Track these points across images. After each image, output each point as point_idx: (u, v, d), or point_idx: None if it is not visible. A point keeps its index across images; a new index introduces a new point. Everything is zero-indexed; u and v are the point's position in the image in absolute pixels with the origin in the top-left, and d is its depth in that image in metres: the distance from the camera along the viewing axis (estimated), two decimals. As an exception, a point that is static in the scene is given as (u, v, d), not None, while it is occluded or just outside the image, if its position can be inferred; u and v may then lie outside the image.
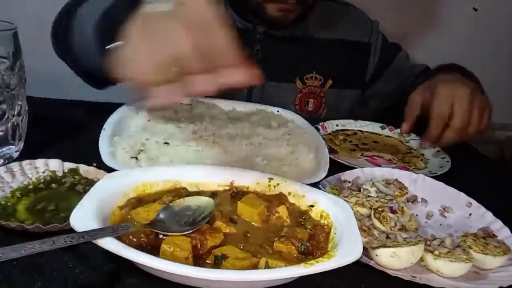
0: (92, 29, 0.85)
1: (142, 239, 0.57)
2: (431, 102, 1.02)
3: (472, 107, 1.00)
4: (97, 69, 0.78)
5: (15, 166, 0.73)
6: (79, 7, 0.96)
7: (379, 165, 0.99)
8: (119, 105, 0.98)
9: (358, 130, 1.18)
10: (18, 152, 0.80)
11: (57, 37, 1.02)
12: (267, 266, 0.55)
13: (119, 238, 0.54)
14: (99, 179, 0.66)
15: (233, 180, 0.72)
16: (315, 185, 0.78)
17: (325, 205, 0.67)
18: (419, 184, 0.87)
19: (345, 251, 0.56)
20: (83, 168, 0.76)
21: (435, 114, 1.01)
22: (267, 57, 1.22)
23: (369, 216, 0.75)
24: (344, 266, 0.54)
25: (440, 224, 0.81)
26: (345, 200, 0.72)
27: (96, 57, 0.81)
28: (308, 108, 1.28)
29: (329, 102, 1.30)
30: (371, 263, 0.65)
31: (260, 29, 1.21)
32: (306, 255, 0.59)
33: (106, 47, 0.64)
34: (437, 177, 0.90)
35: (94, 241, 0.51)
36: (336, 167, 0.89)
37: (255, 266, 0.56)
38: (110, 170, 0.72)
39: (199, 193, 0.69)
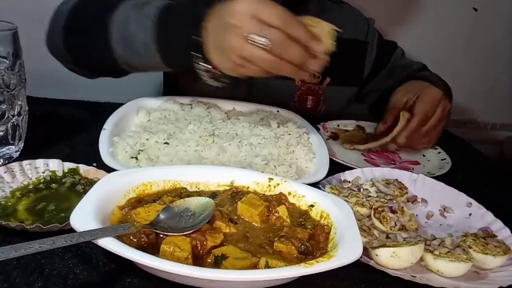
0: (151, 26, 0.83)
1: (142, 239, 0.57)
2: (417, 100, 1.07)
3: (447, 118, 1.10)
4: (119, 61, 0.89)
5: (15, 166, 0.73)
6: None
7: (378, 165, 0.99)
8: (119, 105, 0.98)
9: (359, 128, 1.20)
10: (18, 152, 0.81)
11: (81, 34, 0.96)
12: (267, 266, 0.55)
13: (119, 238, 0.54)
14: (99, 179, 0.66)
15: (233, 180, 0.72)
16: (315, 185, 0.78)
17: (325, 205, 0.67)
18: (419, 184, 0.87)
19: (345, 251, 0.56)
20: (83, 168, 0.76)
21: (421, 111, 1.05)
22: None
23: (369, 216, 0.75)
24: (344, 266, 0.54)
25: (440, 224, 0.81)
26: (345, 200, 0.72)
27: (146, 51, 0.84)
28: (307, 105, 1.29)
29: (327, 99, 1.31)
30: (371, 263, 0.65)
31: None
32: (306, 255, 0.59)
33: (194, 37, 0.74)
34: (437, 177, 0.90)
35: (94, 241, 0.51)
36: (336, 167, 0.89)
37: (255, 266, 0.56)
38: (110, 170, 0.72)
39: (199, 193, 0.69)
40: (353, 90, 1.35)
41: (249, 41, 0.68)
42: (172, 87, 1.28)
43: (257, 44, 0.68)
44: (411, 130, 1.04)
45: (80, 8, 0.95)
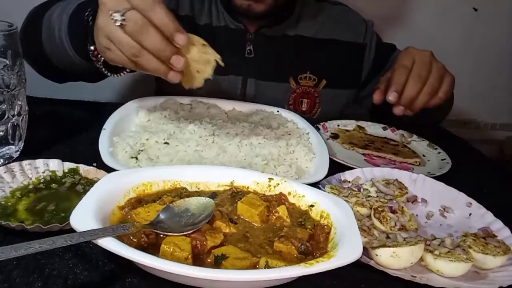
0: (65, 24, 0.86)
1: (142, 239, 0.57)
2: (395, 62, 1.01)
3: (431, 64, 0.98)
4: (65, 62, 0.91)
5: (15, 166, 0.73)
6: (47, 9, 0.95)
7: (378, 165, 0.99)
8: (119, 105, 0.98)
9: (359, 128, 1.20)
10: (18, 152, 0.80)
11: (28, 36, 0.99)
12: (267, 266, 0.55)
13: (119, 238, 0.54)
14: (99, 179, 0.66)
15: (233, 180, 0.72)
16: (315, 185, 0.78)
17: (325, 205, 0.67)
18: (419, 184, 0.87)
19: (345, 251, 0.56)
20: (83, 168, 0.76)
21: (398, 65, 0.99)
22: (260, 57, 1.22)
23: (369, 216, 0.75)
24: (344, 266, 0.54)
25: (440, 224, 0.81)
26: (345, 200, 0.72)
27: (66, 49, 0.86)
28: (302, 108, 1.29)
29: (323, 101, 1.30)
30: (371, 263, 0.65)
31: (250, 28, 1.21)
32: (306, 255, 0.59)
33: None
34: (437, 177, 0.90)
35: (94, 241, 0.51)
36: (336, 167, 0.89)
37: (255, 266, 0.56)
38: (110, 170, 0.72)
39: (199, 193, 0.69)
40: (351, 92, 1.35)
41: (111, 19, 0.67)
42: (161, 89, 1.29)
43: (116, 22, 0.66)
44: (398, 83, 0.96)
45: (33, 11, 1.00)
